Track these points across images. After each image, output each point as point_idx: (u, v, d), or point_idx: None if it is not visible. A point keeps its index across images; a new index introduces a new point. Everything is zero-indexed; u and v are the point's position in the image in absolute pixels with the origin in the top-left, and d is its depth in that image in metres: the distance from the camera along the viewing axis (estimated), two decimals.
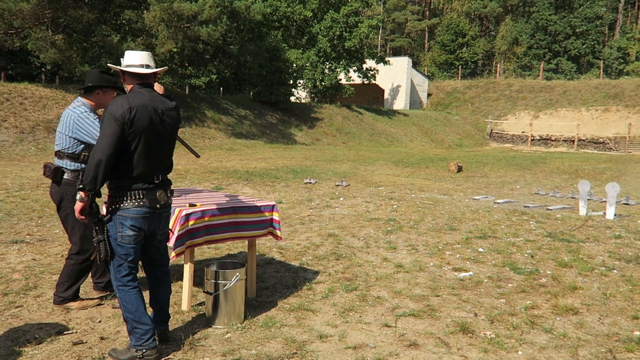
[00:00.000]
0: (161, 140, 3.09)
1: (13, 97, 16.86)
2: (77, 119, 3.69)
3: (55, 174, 3.74)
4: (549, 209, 9.13)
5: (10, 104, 16.52)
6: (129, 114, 2.90)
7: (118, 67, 3.14)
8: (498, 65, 48.34)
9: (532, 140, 33.48)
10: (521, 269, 5.21)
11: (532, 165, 18.57)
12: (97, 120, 3.73)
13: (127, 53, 3.13)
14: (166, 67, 3.47)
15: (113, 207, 3.02)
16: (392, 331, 3.62)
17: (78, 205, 2.99)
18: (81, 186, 2.94)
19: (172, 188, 3.30)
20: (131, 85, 3.10)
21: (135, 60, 3.07)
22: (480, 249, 6.04)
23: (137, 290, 3.10)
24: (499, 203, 9.71)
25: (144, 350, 3.05)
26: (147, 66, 3.09)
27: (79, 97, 3.84)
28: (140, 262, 3.28)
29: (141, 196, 3.02)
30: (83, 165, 3.73)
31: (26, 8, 17.02)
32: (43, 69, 31.12)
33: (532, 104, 37.89)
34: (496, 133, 35.44)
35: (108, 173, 2.92)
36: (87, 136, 3.68)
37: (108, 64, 3.31)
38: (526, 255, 5.82)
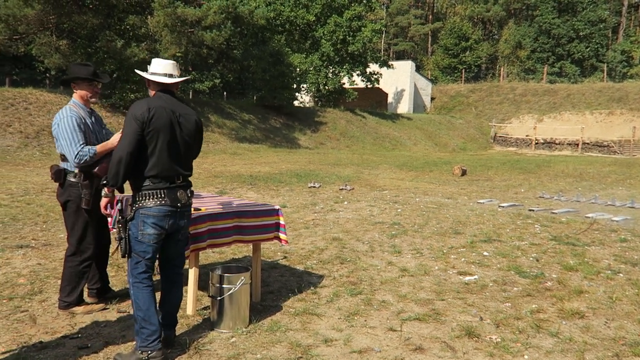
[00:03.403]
0: (180, 142, 3.23)
1: (18, 102, 16.96)
2: (56, 116, 3.78)
3: (57, 176, 3.82)
4: (553, 213, 9.10)
5: (15, 109, 16.62)
6: (147, 113, 3.08)
7: (144, 74, 3.30)
8: (501, 69, 48.25)
9: (536, 143, 33.40)
10: (526, 273, 5.19)
11: (536, 168, 18.52)
12: (71, 118, 3.69)
13: (154, 61, 3.32)
14: (190, 76, 3.64)
15: (136, 205, 3.15)
16: (397, 335, 3.61)
17: (103, 201, 3.29)
18: (104, 182, 3.17)
19: (191, 189, 3.41)
20: (154, 92, 3.30)
21: (160, 69, 3.27)
22: (485, 253, 6.02)
23: (150, 289, 3.18)
24: (503, 206, 9.68)
25: (149, 352, 3.06)
26: (171, 75, 3.27)
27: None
28: (156, 263, 3.36)
29: (163, 195, 3.15)
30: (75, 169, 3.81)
31: (30, 14, 17.14)
32: (47, 74, 31.28)
33: (535, 108, 37.81)
34: (500, 137, 35.38)
35: (129, 169, 3.08)
36: (56, 132, 3.71)
37: (135, 70, 3.44)
38: (531, 258, 5.80)
